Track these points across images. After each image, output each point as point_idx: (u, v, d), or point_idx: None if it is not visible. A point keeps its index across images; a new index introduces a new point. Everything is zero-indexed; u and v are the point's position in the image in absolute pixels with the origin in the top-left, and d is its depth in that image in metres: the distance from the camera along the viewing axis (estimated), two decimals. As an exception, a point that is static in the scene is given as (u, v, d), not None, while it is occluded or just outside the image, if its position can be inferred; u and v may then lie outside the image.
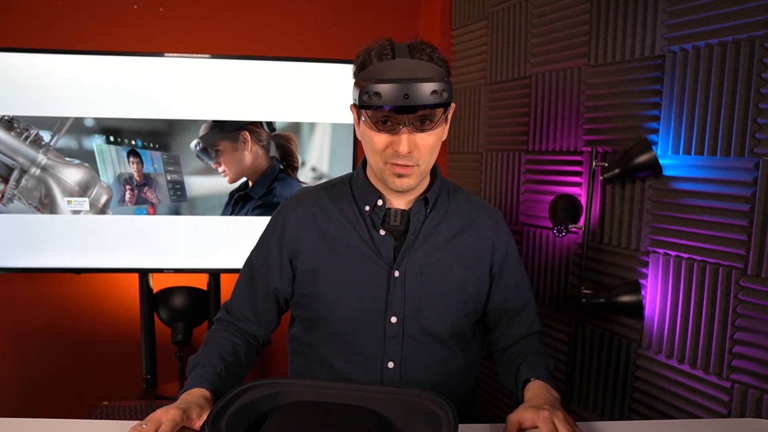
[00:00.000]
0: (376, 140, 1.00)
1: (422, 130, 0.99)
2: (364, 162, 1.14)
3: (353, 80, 1.02)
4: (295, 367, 1.20)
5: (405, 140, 0.97)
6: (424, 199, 1.11)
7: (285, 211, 1.16)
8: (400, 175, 1.02)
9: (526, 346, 1.18)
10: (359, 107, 0.98)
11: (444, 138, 1.07)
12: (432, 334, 1.10)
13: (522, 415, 0.91)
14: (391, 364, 1.08)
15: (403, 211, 1.11)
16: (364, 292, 1.08)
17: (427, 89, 0.93)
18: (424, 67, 0.97)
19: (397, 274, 1.08)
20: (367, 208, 1.10)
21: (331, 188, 1.17)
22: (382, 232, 1.09)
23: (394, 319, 1.08)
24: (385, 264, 1.08)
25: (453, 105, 1.05)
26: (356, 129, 1.08)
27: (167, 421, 0.85)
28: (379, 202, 1.10)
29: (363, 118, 1.01)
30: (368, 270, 1.08)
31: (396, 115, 0.96)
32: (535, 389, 1.01)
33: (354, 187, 1.14)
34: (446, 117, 1.03)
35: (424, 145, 1.00)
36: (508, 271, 1.18)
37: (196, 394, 0.96)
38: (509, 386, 1.14)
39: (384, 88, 0.93)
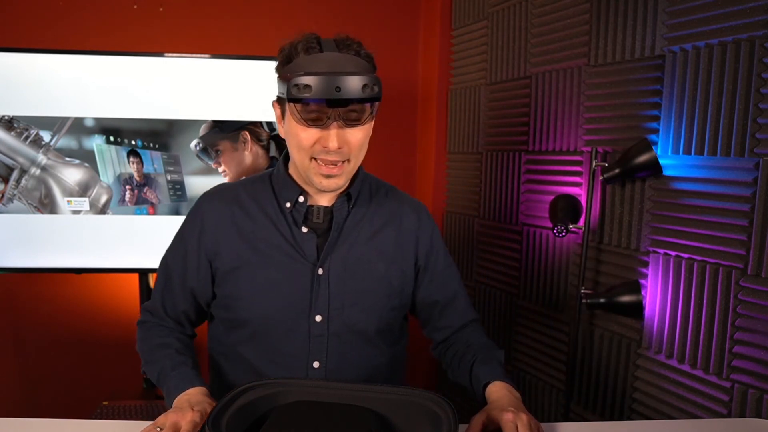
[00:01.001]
0: (303, 136, 0.97)
1: (352, 125, 0.97)
2: (285, 157, 1.11)
3: (277, 75, 1.00)
4: (224, 368, 1.14)
5: (334, 135, 0.96)
6: (346, 195, 1.09)
7: (202, 210, 1.11)
8: (328, 176, 1.00)
9: (468, 339, 1.17)
10: (288, 101, 0.96)
11: (369, 135, 1.05)
12: (357, 332, 1.08)
13: (486, 416, 0.91)
14: (316, 364, 1.06)
15: (325, 207, 1.09)
16: (287, 292, 1.06)
17: (358, 83, 0.92)
18: (353, 61, 0.96)
19: (321, 271, 1.06)
20: (288, 205, 1.08)
21: (251, 185, 1.14)
22: (305, 230, 1.07)
23: (318, 318, 1.06)
24: (309, 262, 1.06)
25: (377, 103, 1.03)
26: (279, 127, 1.06)
27: (187, 423, 0.84)
28: (300, 199, 1.08)
29: (288, 114, 0.99)
30: (291, 269, 1.06)
31: (325, 109, 0.94)
32: (497, 391, 1.00)
33: (275, 184, 1.11)
34: (373, 114, 1.02)
35: (354, 140, 0.99)
36: (433, 263, 1.17)
37: (198, 393, 0.95)
38: (462, 384, 1.13)
39: (314, 81, 0.91)
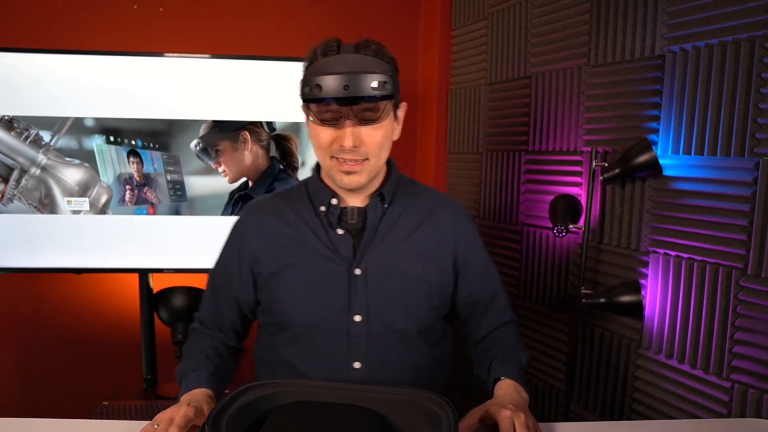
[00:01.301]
0: (321, 135, 1.00)
1: (366, 124, 0.99)
2: (318, 164, 1.13)
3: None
4: (261, 374, 1.18)
5: (349, 134, 0.98)
6: (379, 195, 1.10)
7: (243, 221, 1.16)
8: (348, 173, 1.02)
9: (499, 338, 1.17)
10: (303, 101, 0.99)
11: (396, 137, 1.07)
12: (396, 331, 1.09)
13: (484, 410, 0.91)
14: (357, 365, 1.07)
15: (359, 209, 1.10)
16: (326, 293, 1.07)
17: (368, 81, 0.94)
18: (368, 61, 0.97)
19: (358, 272, 1.07)
20: (323, 208, 1.10)
21: (288, 194, 1.17)
22: (340, 231, 1.09)
23: (357, 318, 1.06)
24: (345, 263, 1.07)
25: (405, 104, 1.05)
26: (308, 130, 1.08)
27: (180, 417, 0.85)
28: (333, 201, 1.09)
29: (310, 116, 1.02)
30: (328, 270, 1.07)
31: (340, 108, 0.96)
32: (505, 388, 1.01)
33: (310, 190, 1.14)
34: (395, 113, 1.03)
35: (371, 140, 1.00)
36: (472, 263, 1.17)
37: (200, 393, 0.97)
38: (483, 379, 1.13)
39: (325, 80, 0.93)
